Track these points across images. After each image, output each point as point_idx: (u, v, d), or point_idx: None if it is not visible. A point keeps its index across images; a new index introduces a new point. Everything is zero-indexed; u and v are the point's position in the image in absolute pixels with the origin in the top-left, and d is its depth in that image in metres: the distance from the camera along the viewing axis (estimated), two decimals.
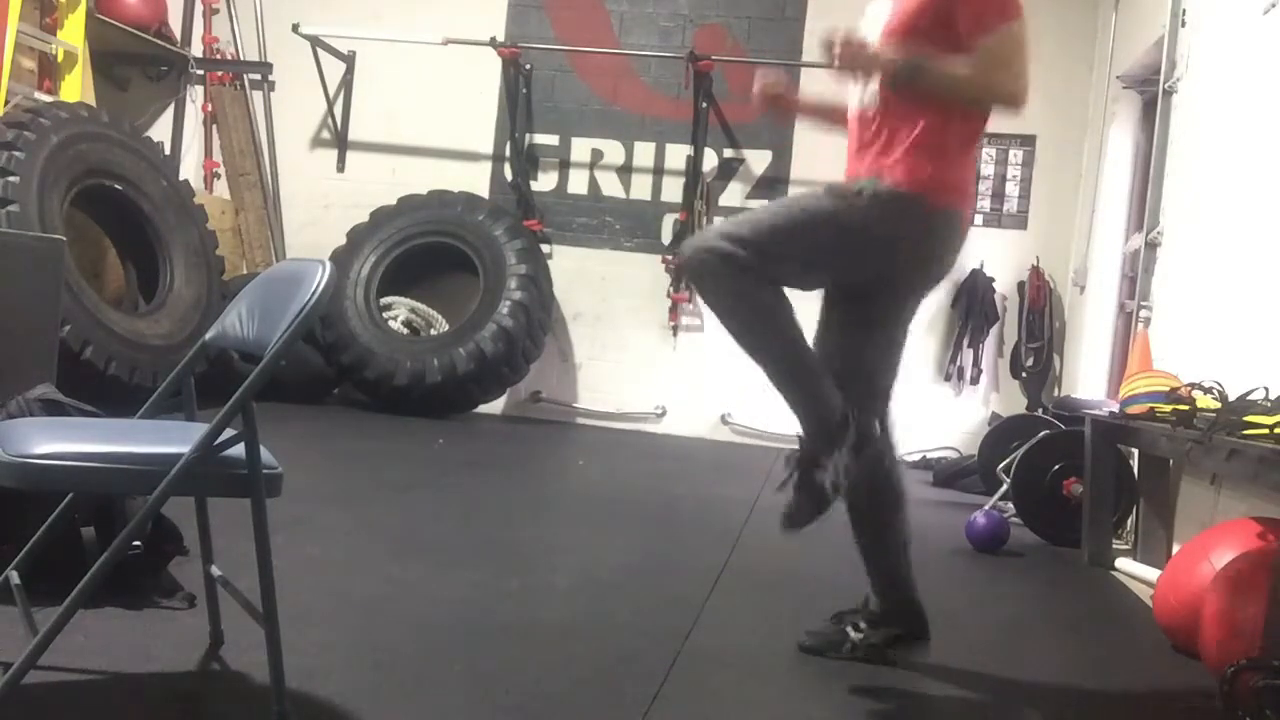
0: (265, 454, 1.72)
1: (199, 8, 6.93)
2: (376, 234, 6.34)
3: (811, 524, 2.29)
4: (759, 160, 6.58)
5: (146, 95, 6.82)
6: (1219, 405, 2.90)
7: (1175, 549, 3.49)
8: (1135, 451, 4.07)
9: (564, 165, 6.77)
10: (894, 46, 2.22)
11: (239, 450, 1.68)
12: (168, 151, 6.44)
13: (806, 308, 2.31)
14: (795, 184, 6.49)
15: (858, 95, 2.36)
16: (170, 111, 6.88)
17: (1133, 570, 3.69)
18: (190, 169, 6.82)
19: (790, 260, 2.24)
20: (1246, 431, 2.59)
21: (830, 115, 2.63)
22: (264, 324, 1.79)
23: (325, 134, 6.97)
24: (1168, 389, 3.38)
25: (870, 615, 2.46)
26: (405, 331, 6.35)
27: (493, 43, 6.46)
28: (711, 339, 6.51)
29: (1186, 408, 3.05)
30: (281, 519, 2.83)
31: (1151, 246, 4.47)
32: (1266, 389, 2.74)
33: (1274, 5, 3.40)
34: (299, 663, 1.93)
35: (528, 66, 6.69)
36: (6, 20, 5.06)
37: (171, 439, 1.72)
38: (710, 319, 6.48)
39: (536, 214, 6.70)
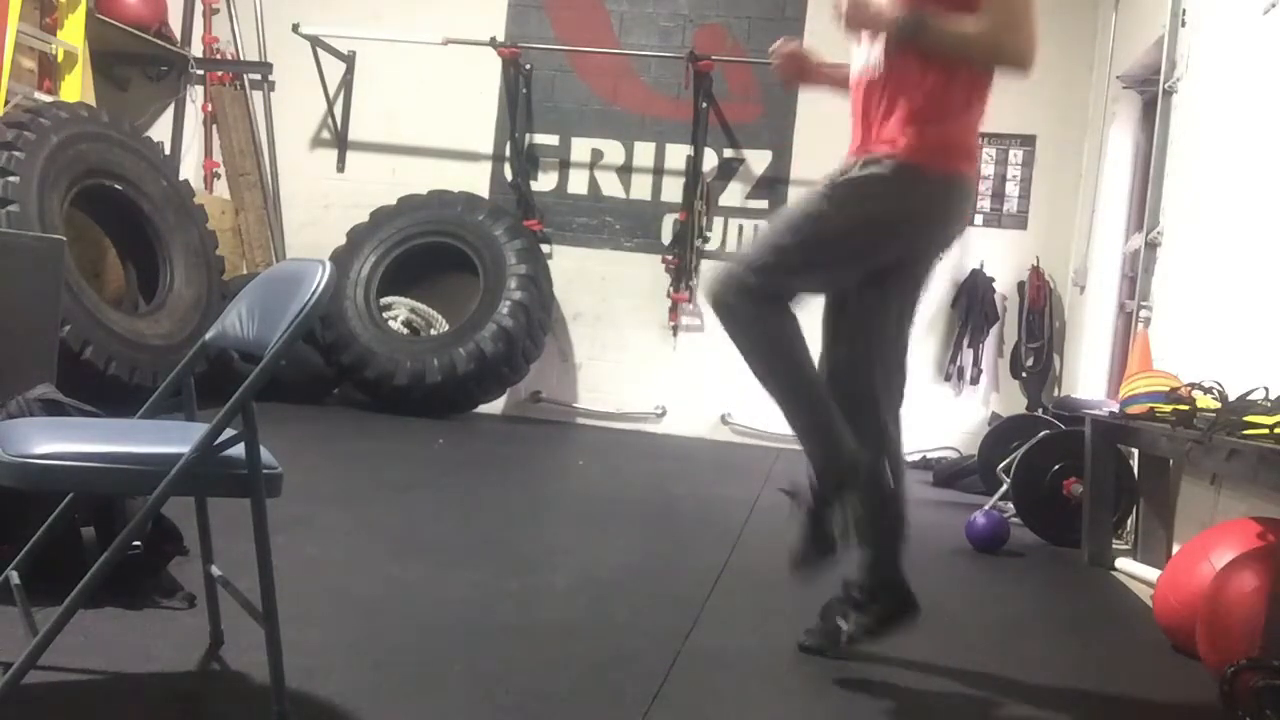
0: (265, 454, 1.72)
1: (199, 8, 6.93)
2: (376, 234, 6.34)
3: (819, 568, 2.31)
4: (759, 160, 6.58)
5: (146, 95, 6.82)
6: (1219, 405, 2.90)
7: (1175, 549, 3.50)
8: (1135, 451, 4.07)
9: (564, 165, 6.77)
10: (901, 6, 2.19)
11: (239, 450, 1.68)
12: (168, 151, 6.44)
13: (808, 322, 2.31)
14: (795, 184, 6.49)
15: (862, 59, 2.33)
16: (170, 111, 6.88)
17: (1133, 570, 3.69)
18: (190, 169, 6.82)
19: (812, 269, 2.24)
20: (1246, 431, 2.59)
21: (845, 83, 2.57)
22: (264, 324, 1.79)
23: (325, 134, 6.97)
24: (1168, 389, 3.38)
25: (854, 599, 2.42)
26: (405, 331, 6.35)
27: (493, 43, 6.46)
28: (711, 339, 6.51)
29: (1186, 408, 3.05)
30: (281, 519, 2.83)
31: (1151, 246, 4.47)
32: (1266, 389, 2.74)
33: (1274, 5, 3.40)
34: (299, 663, 1.93)
35: (528, 66, 6.69)
36: (6, 20, 5.06)
37: (171, 439, 1.72)
38: (709, 319, 6.51)
39: (536, 214, 6.70)
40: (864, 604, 2.41)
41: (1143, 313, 4.44)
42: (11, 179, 4.54)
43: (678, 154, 6.59)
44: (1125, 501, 4.12)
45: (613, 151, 6.72)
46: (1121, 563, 3.79)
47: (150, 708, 1.89)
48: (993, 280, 6.27)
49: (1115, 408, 3.90)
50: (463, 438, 5.60)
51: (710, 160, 6.59)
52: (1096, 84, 6.00)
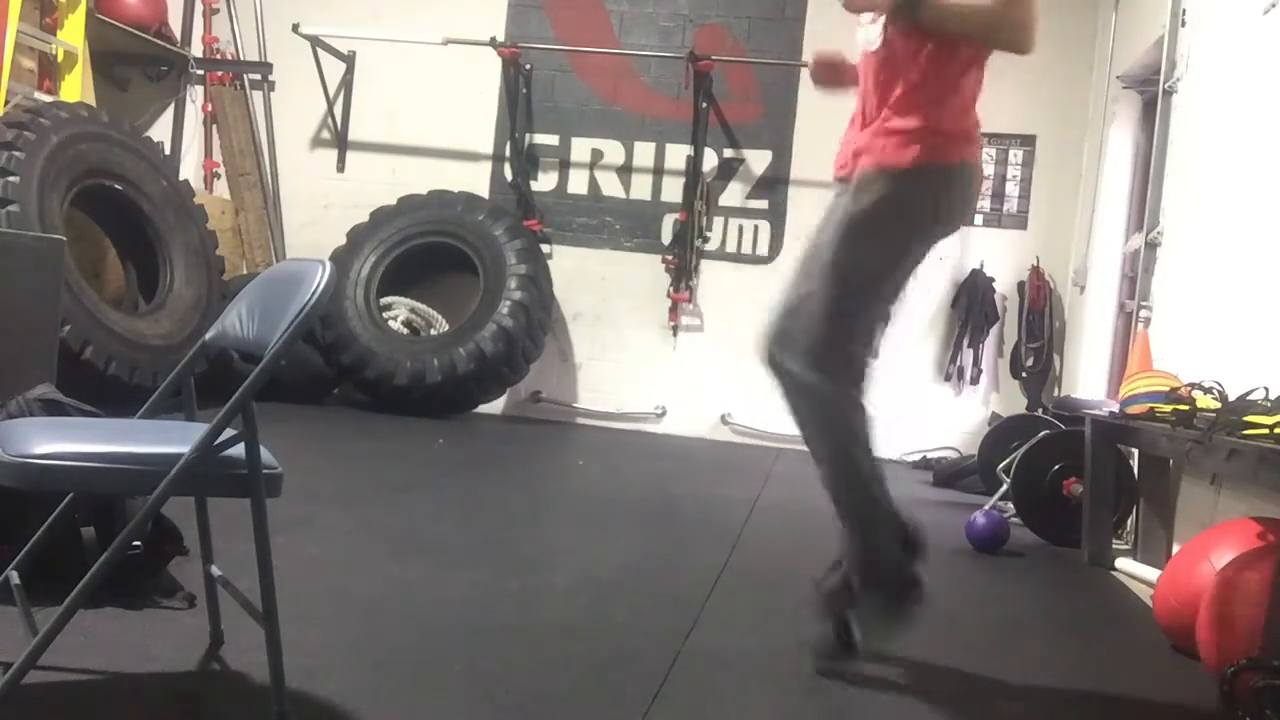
0: (265, 454, 1.72)
1: (199, 8, 6.93)
2: (376, 234, 6.34)
3: (842, 663, 2.31)
4: (759, 160, 6.58)
5: (146, 95, 6.82)
6: (1219, 405, 2.90)
7: (1175, 549, 3.50)
8: (1135, 451, 4.07)
9: (564, 165, 6.77)
10: None
11: (239, 450, 1.68)
12: (168, 151, 6.44)
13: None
14: (795, 184, 6.49)
15: (866, 38, 2.32)
16: (170, 111, 6.88)
17: (1133, 570, 3.69)
18: (190, 169, 6.82)
19: (868, 308, 2.25)
20: (1246, 431, 2.59)
21: None
22: (264, 324, 1.79)
23: (325, 134, 6.97)
24: (1168, 389, 3.38)
25: (852, 591, 2.32)
26: (405, 331, 6.35)
27: (493, 43, 6.46)
28: (711, 339, 6.52)
29: (1186, 408, 3.05)
30: (281, 519, 2.83)
31: (1151, 246, 4.47)
32: (1266, 389, 2.74)
33: (1274, 5, 3.40)
34: (299, 663, 1.93)
35: (528, 66, 6.69)
36: (6, 20, 5.06)
37: (171, 439, 1.72)
38: (709, 319, 6.53)
39: (536, 214, 6.70)
40: (862, 596, 2.32)
41: (1143, 313, 4.44)
42: (11, 179, 4.54)
43: (678, 154, 6.59)
44: (1125, 501, 4.12)
45: (613, 151, 6.72)
46: (1121, 563, 3.79)
47: (150, 708, 1.89)
48: (993, 280, 6.27)
49: (1115, 408, 3.90)
50: (463, 438, 5.60)
51: (710, 160, 6.59)
52: (1096, 84, 6.00)
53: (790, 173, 6.52)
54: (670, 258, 6.58)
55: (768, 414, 6.15)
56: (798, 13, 6.50)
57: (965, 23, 2.17)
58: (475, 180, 6.73)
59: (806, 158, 6.43)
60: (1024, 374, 6.26)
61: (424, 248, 6.32)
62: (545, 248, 6.63)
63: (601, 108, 6.72)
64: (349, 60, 6.86)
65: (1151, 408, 3.41)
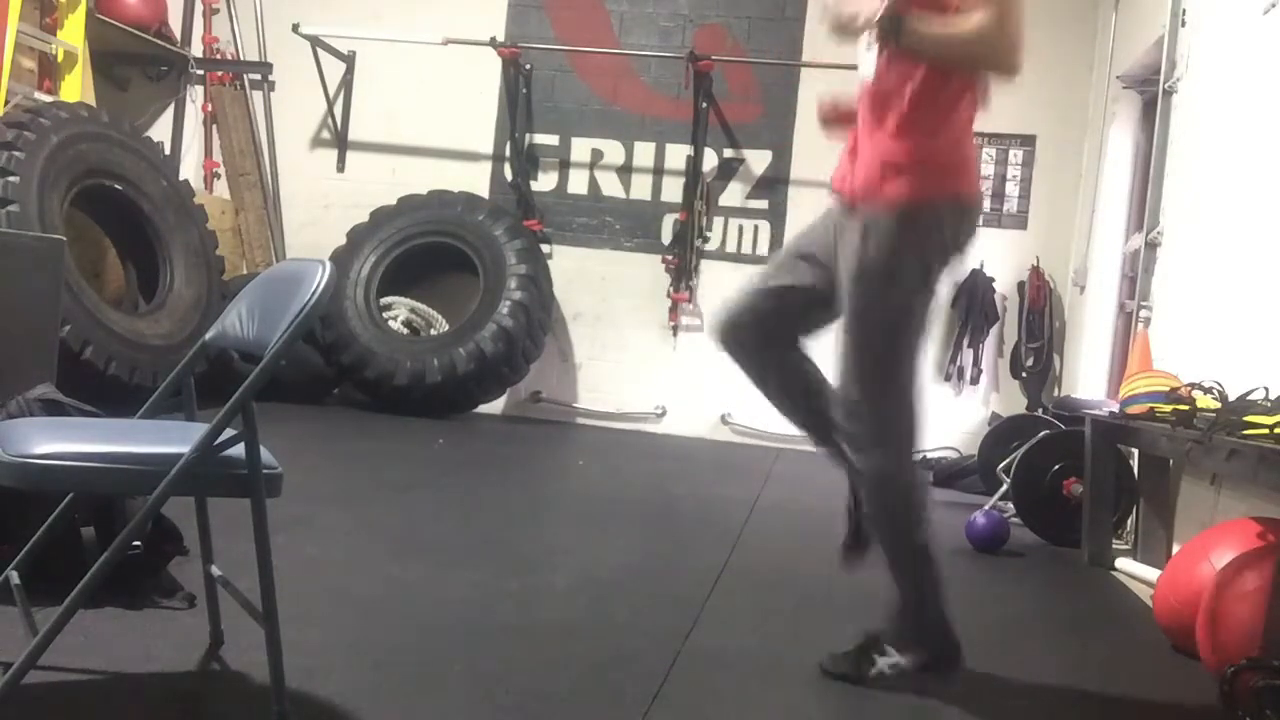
0: (265, 454, 1.72)
1: (199, 8, 6.93)
2: (376, 234, 6.34)
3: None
4: (759, 160, 6.58)
5: (146, 95, 6.82)
6: (1219, 405, 2.90)
7: (1175, 549, 3.50)
8: (1135, 451, 4.07)
9: (564, 165, 6.77)
10: (883, 7, 2.14)
11: (239, 450, 1.68)
12: (168, 151, 6.44)
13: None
14: (795, 184, 6.49)
15: (862, 68, 2.31)
16: (170, 111, 6.88)
17: (1133, 570, 3.69)
18: (190, 169, 6.82)
19: (908, 360, 2.31)
20: (1246, 431, 2.59)
21: None
22: (264, 324, 1.79)
23: (325, 134, 6.97)
24: (1168, 389, 3.38)
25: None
26: (405, 331, 6.35)
27: (493, 43, 6.46)
28: (711, 339, 6.51)
29: (1186, 408, 3.05)
30: (281, 519, 2.83)
31: (1151, 246, 4.47)
32: (1266, 389, 2.74)
33: (1274, 5, 3.40)
34: (299, 663, 1.93)
35: (528, 66, 6.69)
36: (6, 20, 5.06)
37: (171, 439, 1.72)
38: (710, 319, 6.52)
39: (536, 214, 6.70)
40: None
41: (1143, 313, 4.44)
42: (11, 179, 4.54)
43: (678, 154, 6.59)
44: (1125, 501, 4.12)
45: (613, 151, 6.71)
46: (1121, 563, 3.79)
47: (150, 708, 1.89)
48: (993, 280, 6.26)
49: (1115, 408, 3.90)
50: (463, 438, 5.60)
51: (710, 160, 6.59)
52: (1096, 84, 6.00)
53: (790, 173, 6.52)
54: (670, 258, 6.58)
55: (768, 414, 6.14)
56: (798, 13, 6.50)
57: (946, 47, 2.12)
58: (475, 180, 6.73)
59: (806, 158, 6.42)
60: (1024, 374, 6.26)
61: (424, 248, 6.32)
62: (545, 248, 6.63)
63: (601, 108, 6.72)
64: (349, 60, 6.86)
65: (1151, 408, 3.41)
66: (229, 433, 1.66)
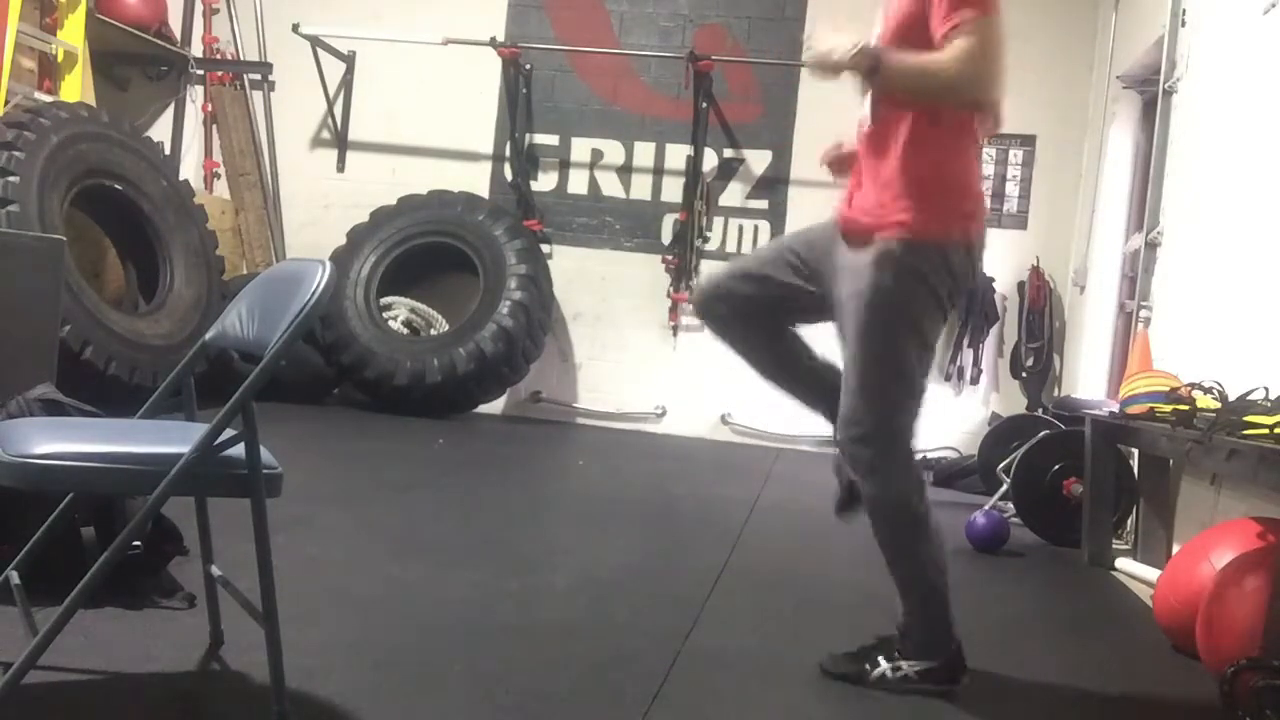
0: (265, 454, 1.72)
1: (199, 8, 6.93)
2: (376, 234, 6.34)
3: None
4: (759, 160, 6.58)
5: (146, 95, 6.82)
6: (1219, 405, 2.90)
7: (1175, 549, 3.50)
8: (1135, 451, 4.07)
9: (564, 165, 6.77)
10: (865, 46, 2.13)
11: (239, 450, 1.68)
12: (168, 151, 6.44)
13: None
14: (795, 184, 6.49)
15: (862, 112, 2.31)
16: (170, 111, 6.88)
17: (1133, 570, 3.69)
18: (190, 169, 6.82)
19: (917, 383, 2.33)
20: (1246, 431, 2.59)
21: None
22: (264, 324, 1.79)
23: (325, 134, 6.97)
24: (1168, 389, 3.38)
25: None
26: (405, 331, 6.35)
27: (493, 43, 6.46)
28: (711, 339, 6.50)
29: (1186, 408, 3.05)
30: (281, 519, 2.83)
31: (1151, 246, 4.47)
32: (1266, 389, 2.74)
33: (1274, 5, 3.40)
34: (299, 663, 1.93)
35: (528, 66, 6.69)
36: (6, 20, 5.06)
37: (171, 439, 1.72)
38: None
39: (536, 214, 6.70)
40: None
41: (1143, 313, 4.44)
42: (11, 179, 4.54)
43: (678, 154, 6.59)
44: (1125, 501, 4.12)
45: (613, 151, 6.71)
46: (1121, 563, 3.79)
47: (150, 708, 1.89)
48: (993, 280, 6.26)
49: (1115, 408, 3.90)
50: (463, 438, 5.60)
51: (710, 160, 6.59)
52: (1096, 84, 6.00)
53: (790, 173, 6.52)
54: (670, 258, 6.58)
55: (768, 414, 6.16)
56: (798, 13, 6.50)
57: (922, 83, 2.10)
58: (475, 180, 6.73)
59: (806, 158, 6.41)
60: (1024, 374, 6.26)
61: (424, 248, 6.32)
62: (545, 248, 6.63)
63: (601, 108, 6.72)
64: (349, 60, 6.86)
65: (1151, 408, 3.41)
66: (229, 433, 1.66)
